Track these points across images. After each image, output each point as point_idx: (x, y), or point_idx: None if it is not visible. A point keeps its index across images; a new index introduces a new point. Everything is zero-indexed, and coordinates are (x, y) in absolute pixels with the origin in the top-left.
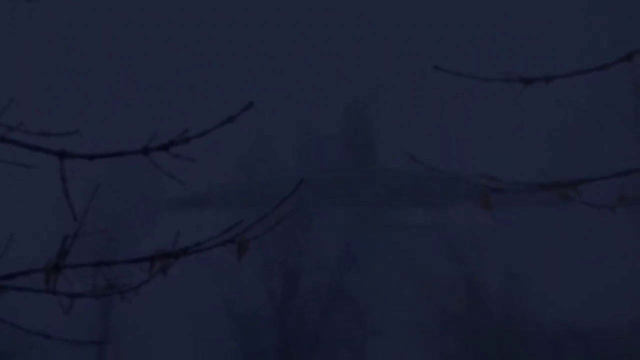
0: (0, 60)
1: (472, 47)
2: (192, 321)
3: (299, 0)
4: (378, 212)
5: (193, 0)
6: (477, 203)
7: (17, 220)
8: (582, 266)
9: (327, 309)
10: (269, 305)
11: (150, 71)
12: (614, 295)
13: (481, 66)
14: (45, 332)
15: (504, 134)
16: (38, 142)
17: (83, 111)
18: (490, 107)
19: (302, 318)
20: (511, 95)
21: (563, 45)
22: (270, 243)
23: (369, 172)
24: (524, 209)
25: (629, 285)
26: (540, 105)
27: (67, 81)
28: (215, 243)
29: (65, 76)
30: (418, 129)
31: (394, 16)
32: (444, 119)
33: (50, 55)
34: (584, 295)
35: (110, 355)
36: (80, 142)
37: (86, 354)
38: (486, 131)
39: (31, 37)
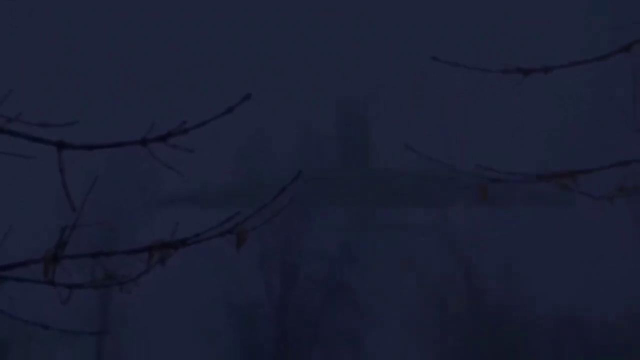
0: (0, 53)
1: (472, 47)
2: (191, 312)
3: (299, 0)
4: (376, 212)
5: (193, 0)
6: (475, 201)
7: (16, 211)
8: (579, 260)
9: (326, 301)
10: (267, 297)
11: (150, 70)
12: (612, 288)
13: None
14: (44, 323)
15: (503, 131)
16: (37, 133)
17: (82, 102)
18: (489, 105)
19: (300, 310)
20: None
21: (562, 42)
22: (269, 235)
23: (367, 171)
24: (523, 208)
25: (626, 278)
26: (539, 100)
27: (66, 73)
28: (214, 234)
29: (65, 68)
30: (417, 128)
31: (393, 16)
32: (444, 118)
33: (50, 47)
34: (581, 288)
35: (109, 346)
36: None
37: (85, 344)
38: (485, 129)
39: (31, 29)
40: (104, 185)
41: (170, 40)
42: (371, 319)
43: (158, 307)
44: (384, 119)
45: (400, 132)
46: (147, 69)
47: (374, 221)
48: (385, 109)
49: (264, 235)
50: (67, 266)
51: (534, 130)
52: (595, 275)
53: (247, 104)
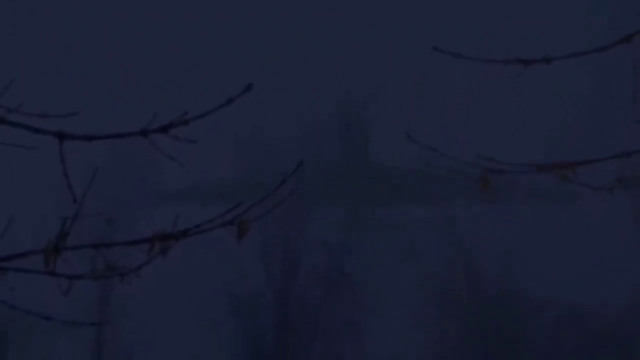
0: (2, 45)
1: (472, 47)
2: (192, 303)
3: (299, 0)
4: (376, 209)
5: (193, 0)
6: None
7: (15, 202)
8: (580, 252)
9: (327, 291)
10: (268, 288)
11: (150, 70)
12: (612, 279)
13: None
14: (45, 314)
15: (502, 130)
16: (37, 124)
17: (81, 98)
18: (489, 103)
19: (301, 300)
20: (510, 84)
21: (562, 40)
22: (270, 226)
23: (367, 169)
24: (523, 204)
25: (627, 267)
26: (538, 98)
27: (67, 68)
28: (216, 224)
29: (65, 64)
30: (417, 127)
31: (393, 16)
32: (444, 117)
33: (50, 46)
34: (582, 279)
35: (110, 337)
36: (80, 124)
37: (85, 335)
38: (485, 127)
39: (32, 22)
40: (103, 177)
41: (171, 40)
42: (372, 309)
43: (159, 298)
44: (384, 118)
45: (400, 131)
46: (147, 69)
47: (373, 219)
48: (385, 108)
49: (265, 226)
50: (68, 257)
51: (533, 130)
52: (595, 266)
53: (247, 103)
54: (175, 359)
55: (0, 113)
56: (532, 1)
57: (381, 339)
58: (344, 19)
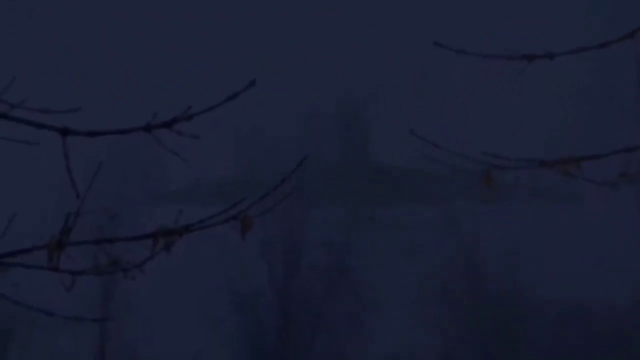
0: (5, 41)
1: (472, 48)
2: (195, 300)
3: (299, 0)
4: (376, 209)
5: (193, 0)
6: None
7: (16, 198)
8: (583, 248)
9: (328, 288)
10: (270, 285)
11: (150, 70)
12: (616, 275)
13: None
14: (48, 309)
15: (502, 130)
16: (40, 119)
17: (82, 92)
18: (489, 104)
19: (303, 297)
20: (511, 78)
21: (562, 39)
22: (272, 223)
23: (367, 168)
24: (525, 204)
25: (629, 263)
26: (538, 98)
27: (68, 66)
28: (219, 220)
29: (65, 64)
30: (417, 127)
31: (393, 16)
32: (443, 117)
33: (50, 45)
34: (585, 275)
35: (113, 332)
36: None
37: (88, 331)
38: (485, 127)
39: (35, 18)
40: (105, 173)
41: (171, 40)
42: (373, 306)
43: (162, 294)
44: (384, 118)
45: (400, 130)
46: (147, 69)
47: (374, 218)
48: (385, 108)
49: (267, 223)
50: (71, 253)
51: (534, 129)
52: (597, 263)
53: (248, 103)
54: (177, 354)
55: (3, 109)
56: (531, 1)
57: (382, 335)
58: (344, 19)
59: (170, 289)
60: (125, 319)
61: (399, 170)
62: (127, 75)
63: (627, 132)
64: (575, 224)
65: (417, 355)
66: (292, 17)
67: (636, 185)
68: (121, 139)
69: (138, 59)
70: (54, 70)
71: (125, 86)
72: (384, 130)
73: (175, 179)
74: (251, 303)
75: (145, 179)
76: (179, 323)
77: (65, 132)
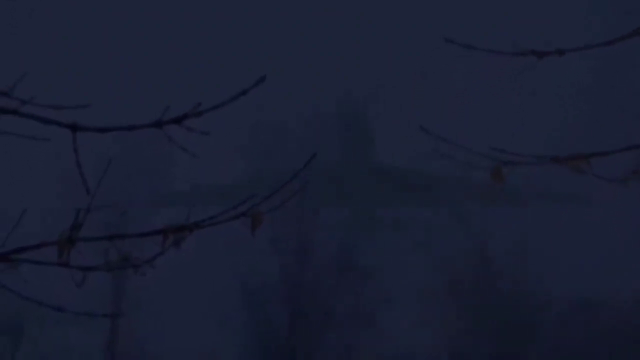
0: (15, 36)
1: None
2: (206, 295)
3: (299, 0)
4: (382, 209)
5: (193, 0)
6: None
7: (22, 194)
8: (591, 245)
9: (339, 282)
10: (281, 280)
11: (149, 70)
12: (625, 271)
13: (481, 65)
14: (58, 305)
15: (503, 130)
16: (50, 115)
17: (83, 92)
18: (490, 104)
19: (314, 292)
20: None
21: (563, 34)
22: (282, 218)
23: (369, 169)
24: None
25: (636, 259)
26: (538, 98)
27: (69, 69)
28: (229, 217)
29: (66, 65)
30: (417, 128)
31: (393, 16)
32: (444, 118)
33: (64, 29)
34: (594, 272)
35: (124, 329)
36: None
37: (99, 327)
38: (486, 128)
39: (35, 18)
40: (113, 169)
41: (170, 41)
42: (384, 301)
43: (172, 290)
44: (384, 118)
45: (401, 131)
46: (146, 69)
47: (380, 218)
48: (385, 108)
49: (277, 218)
50: (82, 249)
51: (534, 129)
52: (608, 259)
53: (248, 103)
54: (188, 351)
55: (13, 105)
56: (531, 1)
57: (393, 332)
58: (344, 19)
59: (181, 285)
60: (135, 314)
61: (401, 169)
62: (126, 75)
63: (628, 132)
64: (584, 222)
65: (426, 351)
66: (292, 17)
67: None
68: (127, 136)
69: (136, 58)
70: (54, 70)
71: (124, 86)
72: (384, 130)
73: (183, 176)
74: (261, 299)
75: (153, 176)
76: (189, 319)
77: (75, 128)
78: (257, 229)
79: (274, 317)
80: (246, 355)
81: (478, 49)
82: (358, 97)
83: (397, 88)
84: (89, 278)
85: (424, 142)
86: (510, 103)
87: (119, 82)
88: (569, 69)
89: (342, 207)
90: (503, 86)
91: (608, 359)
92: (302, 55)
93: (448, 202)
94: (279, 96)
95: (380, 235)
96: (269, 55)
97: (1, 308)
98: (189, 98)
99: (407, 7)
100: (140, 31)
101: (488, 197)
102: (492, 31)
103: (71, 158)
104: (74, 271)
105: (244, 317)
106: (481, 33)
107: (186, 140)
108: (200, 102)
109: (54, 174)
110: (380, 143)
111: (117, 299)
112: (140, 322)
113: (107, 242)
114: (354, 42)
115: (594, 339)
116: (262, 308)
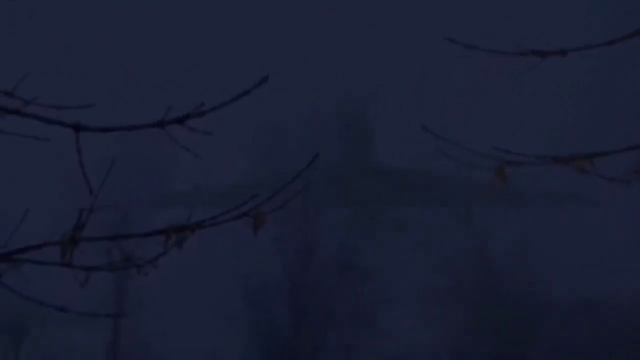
0: (17, 36)
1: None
2: (208, 295)
3: (299, 0)
4: (382, 209)
5: (193, 0)
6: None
7: (28, 194)
8: (594, 244)
9: (341, 282)
10: (284, 279)
11: (149, 70)
12: (622, 269)
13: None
14: (60, 305)
15: (503, 131)
16: (52, 115)
17: (85, 89)
18: (489, 104)
19: (316, 292)
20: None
21: (562, 34)
22: (284, 218)
23: (369, 169)
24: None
25: (636, 259)
26: (538, 98)
27: (69, 60)
28: (231, 216)
29: (66, 59)
30: (418, 128)
31: (393, 16)
32: (444, 118)
33: (66, 29)
34: (596, 272)
35: (127, 328)
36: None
37: (102, 327)
38: (486, 128)
39: (35, 18)
40: (114, 169)
41: (170, 41)
42: (385, 301)
43: (175, 290)
44: (384, 118)
45: (401, 131)
46: (146, 69)
47: (379, 218)
48: (385, 108)
49: (280, 217)
50: (84, 249)
51: (534, 130)
52: (608, 259)
53: (248, 103)
54: (191, 350)
55: (16, 105)
56: (530, 1)
57: (394, 332)
58: (344, 19)
59: (183, 285)
60: (138, 314)
61: (401, 170)
62: (126, 75)
63: (628, 132)
64: (584, 222)
65: (426, 351)
66: (292, 17)
67: None
68: (128, 137)
69: (136, 59)
70: (54, 70)
71: (124, 86)
72: (384, 130)
73: (185, 176)
74: (264, 299)
75: (154, 176)
76: (191, 319)
77: (78, 128)
78: (260, 229)
79: (277, 317)
80: (248, 354)
81: (480, 49)
82: (358, 97)
83: (397, 88)
84: (92, 278)
85: (424, 142)
86: (510, 103)
87: (119, 82)
88: (569, 69)
89: (343, 207)
90: (503, 86)
91: (608, 359)
92: (302, 55)
93: (448, 202)
94: (279, 96)
95: (381, 236)
96: (269, 55)
97: (3, 308)
98: (188, 98)
99: (407, 7)
100: (141, 31)
101: (488, 197)
102: (491, 31)
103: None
104: (77, 271)
105: (247, 317)
106: (481, 33)
107: (188, 140)
108: (203, 102)
109: (56, 174)
110: (380, 143)
111: (120, 299)
112: (143, 322)
113: (110, 242)
114: (354, 42)
115: (595, 339)
116: (264, 308)
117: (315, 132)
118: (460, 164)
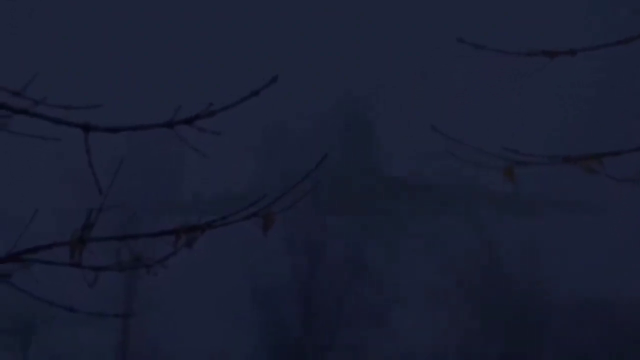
0: (26, 36)
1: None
2: (217, 295)
3: (299, 0)
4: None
5: (193, 1)
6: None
7: (37, 195)
8: (602, 244)
9: (350, 281)
10: (293, 279)
11: (149, 70)
12: (629, 270)
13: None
14: (69, 305)
15: (503, 131)
16: (61, 115)
17: (85, 89)
18: (489, 104)
19: (325, 291)
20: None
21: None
22: (294, 218)
23: (369, 169)
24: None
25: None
26: (539, 98)
27: (70, 60)
28: (241, 217)
29: (66, 59)
30: (418, 128)
31: (393, 16)
32: (444, 118)
33: (76, 29)
34: (604, 271)
35: (136, 328)
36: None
37: (110, 326)
38: (485, 128)
39: (35, 18)
40: (123, 169)
41: (170, 41)
42: (394, 299)
43: (184, 290)
44: (384, 118)
45: (401, 131)
46: (145, 69)
47: (381, 218)
48: (385, 108)
49: (289, 218)
50: (93, 249)
51: (534, 130)
52: (617, 258)
53: (248, 103)
54: (200, 350)
55: (25, 105)
56: (530, 2)
57: (403, 331)
58: (344, 19)
59: (193, 286)
60: (147, 314)
61: (401, 170)
62: (126, 75)
63: (629, 132)
64: (592, 226)
65: (435, 351)
66: (292, 17)
67: None
68: (135, 137)
69: (136, 59)
70: (54, 70)
71: (124, 86)
72: (384, 130)
73: (192, 176)
74: (273, 299)
75: (162, 177)
76: (201, 319)
77: (87, 128)
78: (269, 229)
79: (285, 317)
80: (257, 354)
81: (488, 49)
82: (358, 97)
83: (397, 88)
84: (101, 278)
85: (424, 142)
86: (510, 103)
87: (119, 83)
88: (569, 69)
89: (348, 209)
90: (503, 86)
91: (616, 358)
92: (302, 55)
93: (452, 203)
94: (279, 96)
95: (389, 237)
96: (269, 55)
97: (13, 308)
98: (188, 98)
99: (407, 8)
100: (148, 34)
101: (493, 199)
102: (491, 31)
103: (77, 158)
104: (86, 271)
105: (256, 317)
106: (480, 33)
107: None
108: (211, 103)
109: (66, 174)
110: (381, 143)
111: (129, 299)
112: (152, 322)
113: (119, 243)
114: (354, 42)
115: (602, 339)
116: (273, 308)
117: (315, 132)
118: (469, 164)
